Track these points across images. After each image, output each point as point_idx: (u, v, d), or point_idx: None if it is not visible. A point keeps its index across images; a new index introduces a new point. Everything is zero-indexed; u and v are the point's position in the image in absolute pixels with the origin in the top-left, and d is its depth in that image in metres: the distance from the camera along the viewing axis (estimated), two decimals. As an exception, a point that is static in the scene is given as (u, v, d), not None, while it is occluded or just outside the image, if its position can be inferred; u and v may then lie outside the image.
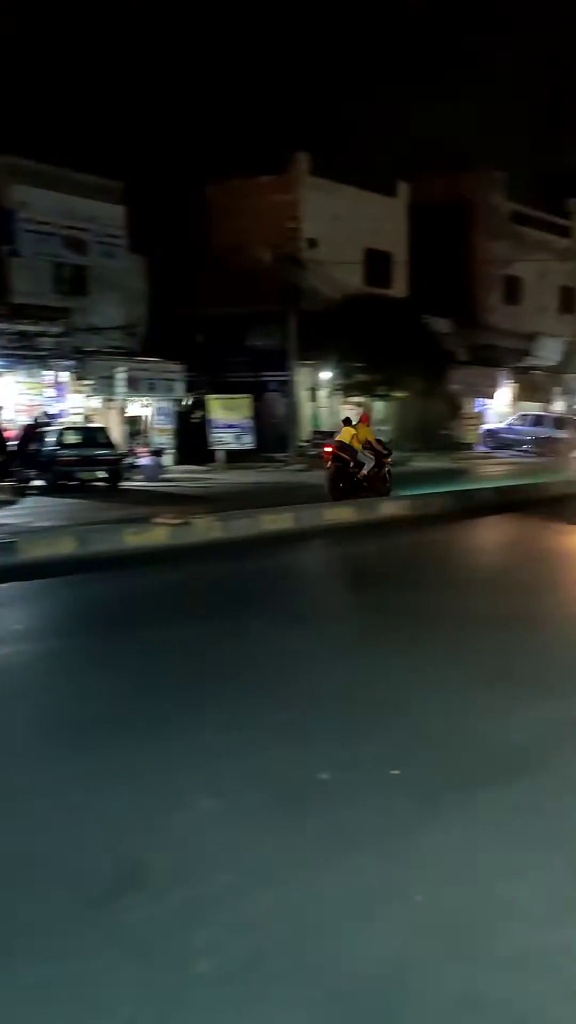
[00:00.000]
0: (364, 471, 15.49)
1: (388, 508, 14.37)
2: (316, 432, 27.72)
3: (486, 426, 34.86)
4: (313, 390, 28.28)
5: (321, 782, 4.27)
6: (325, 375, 27.84)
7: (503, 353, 36.93)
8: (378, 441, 16.51)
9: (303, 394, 28.10)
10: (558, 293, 41.43)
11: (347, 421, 16.88)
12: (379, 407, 30.22)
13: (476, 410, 35.92)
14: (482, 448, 32.35)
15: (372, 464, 15.64)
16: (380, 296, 28.82)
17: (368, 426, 16.51)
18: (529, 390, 38.66)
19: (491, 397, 36.84)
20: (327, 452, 15.99)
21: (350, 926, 3.12)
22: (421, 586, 9.24)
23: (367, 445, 15.80)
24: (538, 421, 33.89)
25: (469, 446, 30.16)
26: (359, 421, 16.51)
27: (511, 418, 35.42)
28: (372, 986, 2.81)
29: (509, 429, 34.17)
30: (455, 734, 4.95)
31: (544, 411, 36.52)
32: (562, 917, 3.19)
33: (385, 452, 16.42)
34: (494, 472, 23.38)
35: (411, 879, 3.42)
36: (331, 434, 27.57)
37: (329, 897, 3.30)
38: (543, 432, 33.15)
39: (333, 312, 26.70)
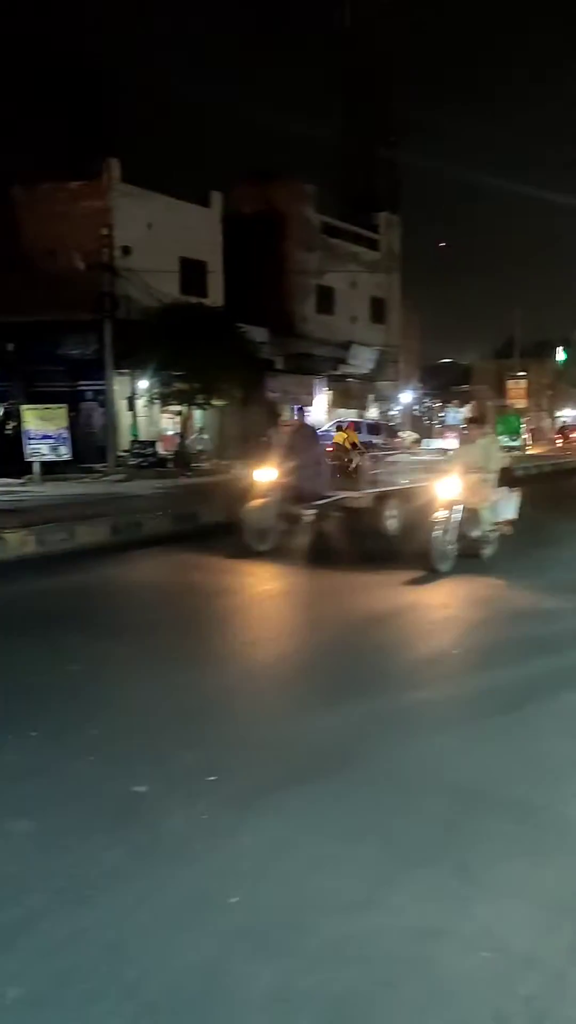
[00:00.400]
0: (353, 464, 20.05)
1: (205, 516, 14.47)
2: (135, 442, 27.42)
3: (304, 433, 35.61)
4: (131, 399, 27.94)
5: (137, 795, 4.25)
6: (143, 384, 27.56)
7: (319, 361, 37.88)
8: (363, 443, 23.23)
9: (121, 403, 27.72)
10: (369, 303, 42.93)
11: (339, 427, 24.55)
12: (199, 416, 30.27)
13: (294, 418, 36.64)
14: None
15: (359, 458, 20.22)
16: (196, 305, 28.84)
17: (353, 431, 24.15)
18: (345, 397, 39.86)
19: (309, 405, 37.67)
20: (329, 450, 21.63)
21: (165, 935, 3.12)
22: (229, 596, 9.34)
23: (353, 445, 22.18)
24: (354, 427, 34.98)
25: (288, 453, 30.67)
26: (348, 428, 24.15)
27: (328, 425, 36.38)
28: (188, 993, 2.83)
29: (327, 435, 35.06)
30: (269, 737, 5.05)
31: (360, 418, 37.76)
32: (371, 904, 3.32)
33: (364, 450, 22.49)
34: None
35: (227, 882, 3.47)
36: (152, 443, 27.54)
37: (144, 909, 3.29)
38: (359, 438, 34.25)
39: (150, 321, 26.48)
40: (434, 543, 9.79)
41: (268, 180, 38.27)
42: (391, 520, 12.35)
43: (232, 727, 5.24)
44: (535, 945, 3.05)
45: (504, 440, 43.85)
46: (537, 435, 52.95)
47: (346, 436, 22.98)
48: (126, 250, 27.79)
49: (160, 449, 27.52)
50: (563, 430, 57.06)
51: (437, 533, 9.84)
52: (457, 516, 10.04)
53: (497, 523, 10.78)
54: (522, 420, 47.14)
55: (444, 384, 53.69)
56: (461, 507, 10.12)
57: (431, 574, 9.69)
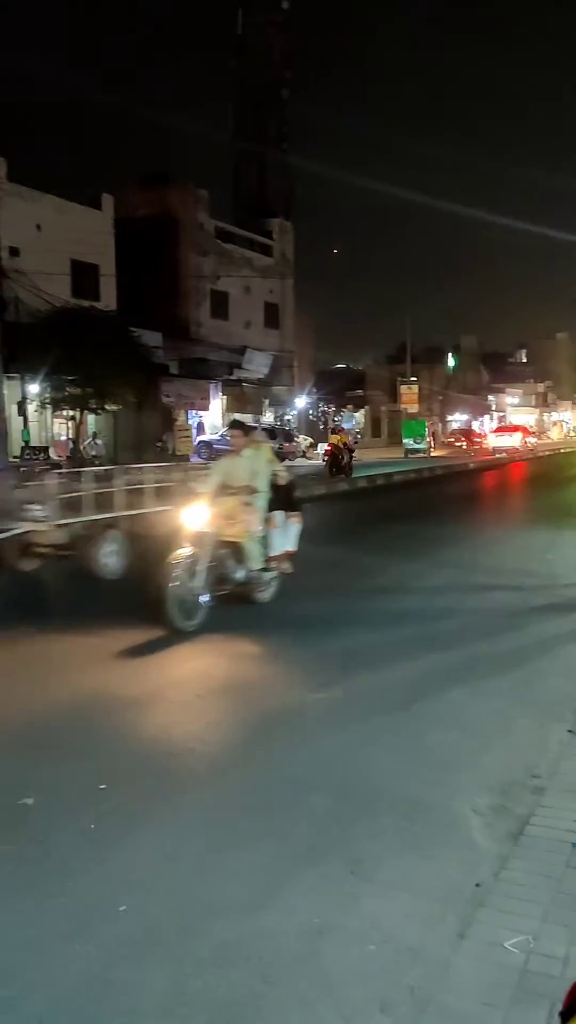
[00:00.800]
0: (345, 460, 27.22)
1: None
2: (27, 447, 26.84)
3: (200, 438, 35.54)
4: (21, 404, 27.32)
5: (25, 807, 4.16)
6: (34, 389, 27.01)
7: (213, 366, 37.86)
8: (350, 443, 29.06)
9: (11, 408, 27.07)
10: (263, 308, 43.15)
11: (335, 431, 29.53)
12: (92, 420, 29.84)
13: (190, 422, 36.52)
14: (197, 459, 32.93)
15: (348, 457, 27.59)
16: (89, 308, 28.44)
17: (344, 434, 28.78)
18: (240, 402, 39.94)
19: (205, 409, 37.60)
20: (328, 450, 28.05)
21: (52, 949, 3.07)
22: (114, 599, 9.23)
23: (346, 446, 27.67)
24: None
25: (185, 458, 30.55)
26: (339, 432, 28.88)
27: (223, 429, 36.38)
28: (75, 1005, 2.79)
29: (222, 440, 35.06)
30: (159, 745, 5.02)
31: (255, 422, 37.90)
32: (262, 904, 3.35)
33: (352, 451, 28.72)
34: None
35: (116, 891, 3.43)
36: (45, 449, 27.02)
37: (31, 924, 3.23)
38: (254, 442, 34.38)
39: (41, 324, 25.98)
40: (171, 592, 7.25)
41: (161, 184, 38.09)
42: (110, 559, 9.61)
43: (127, 734, 5.18)
44: (420, 936, 3.12)
45: (410, 444, 45.16)
46: (434, 439, 54.86)
47: (339, 438, 28.05)
48: (14, 251, 27.20)
49: (53, 455, 27.00)
50: (467, 433, 59.57)
51: (176, 578, 7.32)
52: (208, 553, 7.65)
53: (271, 559, 8.40)
54: (427, 424, 48.93)
55: (338, 389, 54.30)
56: (214, 541, 7.79)
57: (168, 635, 7.25)
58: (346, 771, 4.63)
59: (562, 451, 53.01)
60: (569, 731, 5.07)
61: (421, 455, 43.43)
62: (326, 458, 27.80)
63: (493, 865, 3.59)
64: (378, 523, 16.31)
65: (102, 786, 4.39)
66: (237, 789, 4.40)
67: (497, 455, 45.04)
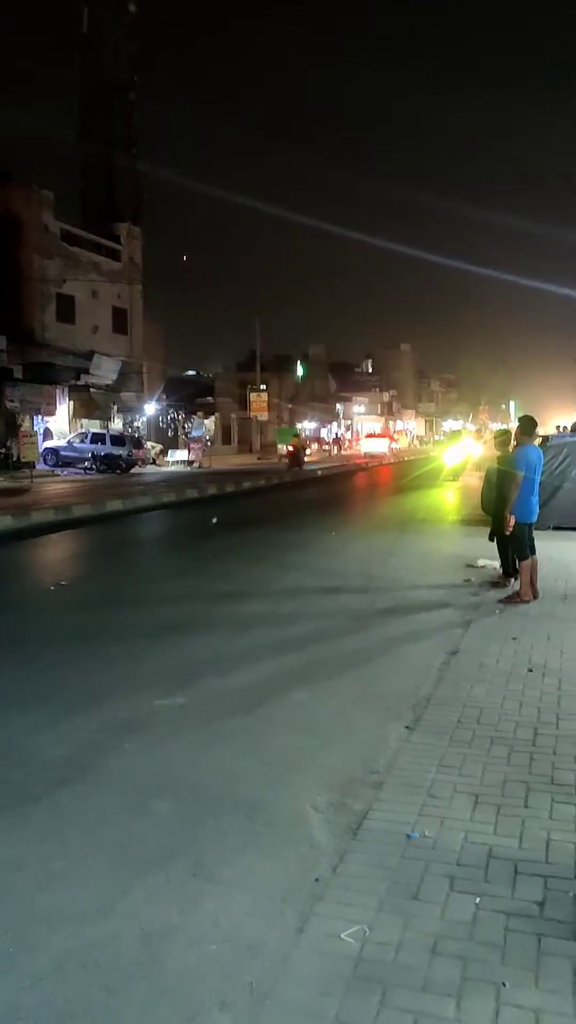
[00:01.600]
0: (302, 457, 35.47)
1: None
2: None
3: (47, 444, 34.65)
4: None
5: None
6: None
7: (60, 371, 37.00)
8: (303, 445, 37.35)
9: None
10: (111, 313, 42.54)
11: (296, 436, 39.90)
12: None
13: (36, 428, 35.55)
14: (43, 466, 32.09)
15: (303, 455, 36.21)
16: None
17: (299, 438, 39.04)
18: (88, 408, 39.19)
19: (51, 415, 36.68)
20: (290, 450, 36.98)
21: None
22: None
23: (303, 447, 36.30)
24: (98, 438, 34.50)
25: (31, 464, 29.70)
26: (296, 436, 38.70)
27: (71, 436, 35.62)
28: None
29: (69, 447, 34.33)
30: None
31: (104, 428, 37.28)
32: (103, 912, 3.33)
33: (306, 449, 39.19)
34: (54, 491, 23.25)
35: (-50, 909, 3.33)
36: None
37: None
38: (102, 449, 33.82)
39: None
40: None
41: (2, 182, 36.95)
42: None
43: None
44: (260, 933, 3.19)
45: (283, 450, 46.19)
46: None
47: (298, 441, 37.87)
48: None
49: None
50: (336, 440, 66.23)
51: None
52: None
53: None
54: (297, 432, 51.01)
55: (188, 396, 54.16)
56: None
57: None
58: (190, 775, 4.65)
59: (407, 459, 54.95)
60: (407, 728, 5.26)
61: None
62: (286, 458, 36.81)
63: (332, 860, 3.69)
64: (235, 529, 16.36)
65: None
66: (82, 797, 4.34)
67: (350, 463, 46.72)
